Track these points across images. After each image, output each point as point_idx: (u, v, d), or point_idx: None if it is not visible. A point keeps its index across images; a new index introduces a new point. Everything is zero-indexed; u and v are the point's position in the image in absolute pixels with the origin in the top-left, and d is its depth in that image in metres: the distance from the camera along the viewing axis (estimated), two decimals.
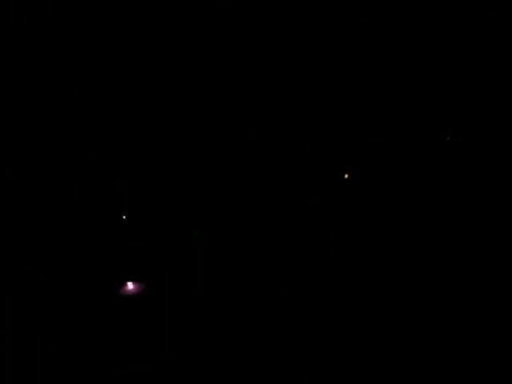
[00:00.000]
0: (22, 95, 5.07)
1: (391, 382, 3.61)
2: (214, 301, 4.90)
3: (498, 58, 6.34)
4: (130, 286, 4.32)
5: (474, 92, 6.59)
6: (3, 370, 2.94)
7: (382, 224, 6.09)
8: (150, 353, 3.53)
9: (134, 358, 3.34)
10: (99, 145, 4.65)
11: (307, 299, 5.01)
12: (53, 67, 5.40)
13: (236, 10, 6.30)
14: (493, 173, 5.09)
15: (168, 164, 5.60)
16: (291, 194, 4.52)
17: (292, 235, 4.66)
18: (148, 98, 6.77)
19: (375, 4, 6.29)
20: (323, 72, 6.96)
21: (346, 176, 6.16)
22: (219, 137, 6.86)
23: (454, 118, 6.33)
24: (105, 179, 4.18)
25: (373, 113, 6.93)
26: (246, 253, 4.94)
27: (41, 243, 5.12)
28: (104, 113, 5.27)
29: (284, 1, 6.27)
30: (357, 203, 6.22)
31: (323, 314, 4.57)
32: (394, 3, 6.26)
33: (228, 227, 5.96)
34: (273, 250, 4.93)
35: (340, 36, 6.64)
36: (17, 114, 5.07)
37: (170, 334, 3.68)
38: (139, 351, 3.42)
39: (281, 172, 4.83)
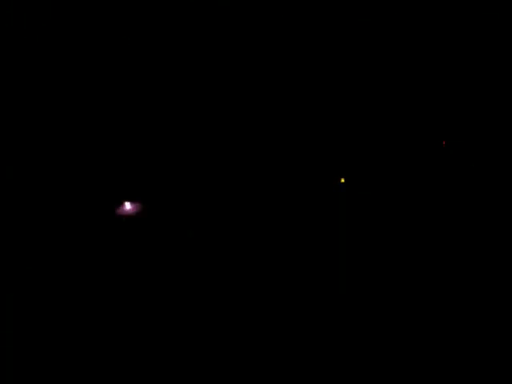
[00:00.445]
0: (22, 96, 5.08)
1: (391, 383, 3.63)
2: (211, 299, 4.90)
3: (498, 60, 6.35)
4: (128, 206, 4.29)
5: (472, 94, 6.59)
6: (3, 370, 2.95)
7: (381, 227, 6.10)
8: (148, 349, 3.54)
9: (134, 358, 3.35)
10: (99, 144, 4.67)
11: (306, 299, 5.02)
12: (52, 67, 5.41)
13: (236, 10, 6.31)
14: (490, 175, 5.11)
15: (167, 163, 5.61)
16: (288, 195, 4.54)
17: (289, 235, 4.67)
18: (148, 98, 6.78)
19: (375, 4, 6.30)
20: (322, 73, 6.97)
21: (343, 180, 6.17)
22: (217, 137, 6.88)
23: (451, 120, 6.34)
24: (103, 177, 4.19)
25: (370, 116, 6.94)
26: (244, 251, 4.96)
27: (40, 241, 5.13)
28: (104, 113, 5.28)
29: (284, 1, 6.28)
30: (354, 207, 6.23)
31: (322, 316, 4.59)
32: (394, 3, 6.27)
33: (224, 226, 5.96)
34: (271, 250, 4.93)
35: (340, 36, 6.65)
36: (17, 115, 5.08)
37: (168, 331, 3.69)
38: (139, 350, 3.43)
39: (278, 173, 4.84)
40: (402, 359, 3.64)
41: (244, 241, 4.76)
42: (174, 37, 6.61)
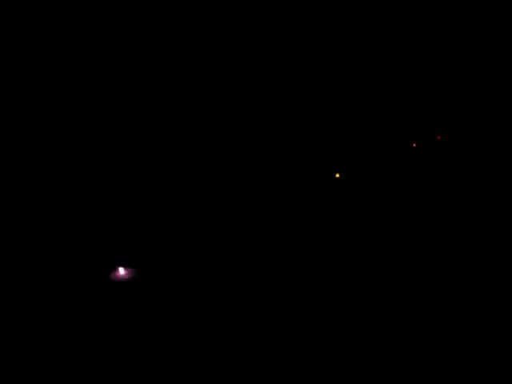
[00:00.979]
0: (22, 96, 5.08)
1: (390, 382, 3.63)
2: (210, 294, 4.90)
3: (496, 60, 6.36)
4: (122, 272, 4.31)
5: (469, 93, 6.60)
6: (3, 369, 2.95)
7: (376, 222, 6.10)
8: (147, 348, 3.54)
9: (132, 355, 3.35)
10: (99, 141, 4.68)
11: (305, 297, 5.01)
12: (52, 68, 5.41)
13: (236, 10, 6.32)
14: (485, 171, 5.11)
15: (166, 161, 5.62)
16: (284, 190, 4.55)
17: (286, 230, 4.68)
18: (147, 98, 6.79)
19: (375, 4, 6.31)
20: (321, 73, 6.98)
21: (338, 175, 6.17)
22: (216, 136, 6.89)
23: (447, 118, 6.35)
24: (102, 174, 4.19)
25: (366, 113, 6.95)
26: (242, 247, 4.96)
27: (38, 238, 5.13)
28: (103, 113, 5.28)
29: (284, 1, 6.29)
30: (350, 202, 6.23)
31: (320, 314, 4.58)
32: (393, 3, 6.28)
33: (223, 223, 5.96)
34: (268, 247, 4.94)
35: (339, 36, 6.66)
36: (17, 115, 5.08)
37: (165, 327, 3.70)
38: (137, 347, 3.43)
39: (275, 169, 4.86)
40: (400, 358, 3.65)
41: (243, 235, 4.77)
42: (174, 37, 6.61)
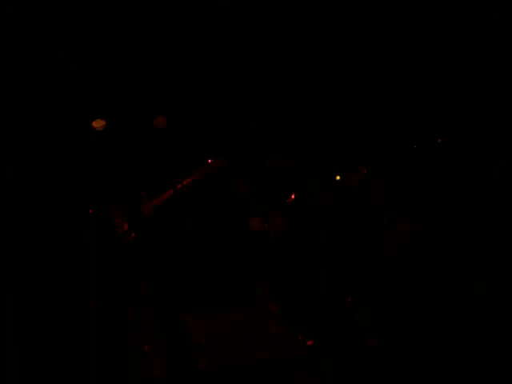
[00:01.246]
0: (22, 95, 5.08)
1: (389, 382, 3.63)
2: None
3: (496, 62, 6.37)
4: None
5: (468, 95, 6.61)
6: (3, 369, 2.95)
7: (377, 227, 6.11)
8: (147, 348, 3.54)
9: (133, 355, 3.35)
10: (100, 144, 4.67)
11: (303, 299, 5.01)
12: (52, 68, 5.41)
13: (236, 10, 6.32)
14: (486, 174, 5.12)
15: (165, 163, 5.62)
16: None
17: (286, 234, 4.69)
18: (146, 98, 6.79)
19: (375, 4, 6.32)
20: (321, 73, 6.99)
21: (338, 178, 6.17)
22: (215, 136, 6.89)
23: (447, 120, 6.36)
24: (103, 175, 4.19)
25: (367, 114, 6.95)
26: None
27: (39, 242, 5.13)
28: (103, 113, 5.28)
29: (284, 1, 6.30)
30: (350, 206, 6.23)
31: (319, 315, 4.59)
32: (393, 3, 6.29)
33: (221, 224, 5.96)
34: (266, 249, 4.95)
35: (339, 37, 6.67)
36: (17, 114, 5.08)
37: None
38: (138, 347, 3.43)
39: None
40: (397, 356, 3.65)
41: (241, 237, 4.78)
42: (174, 37, 6.61)
